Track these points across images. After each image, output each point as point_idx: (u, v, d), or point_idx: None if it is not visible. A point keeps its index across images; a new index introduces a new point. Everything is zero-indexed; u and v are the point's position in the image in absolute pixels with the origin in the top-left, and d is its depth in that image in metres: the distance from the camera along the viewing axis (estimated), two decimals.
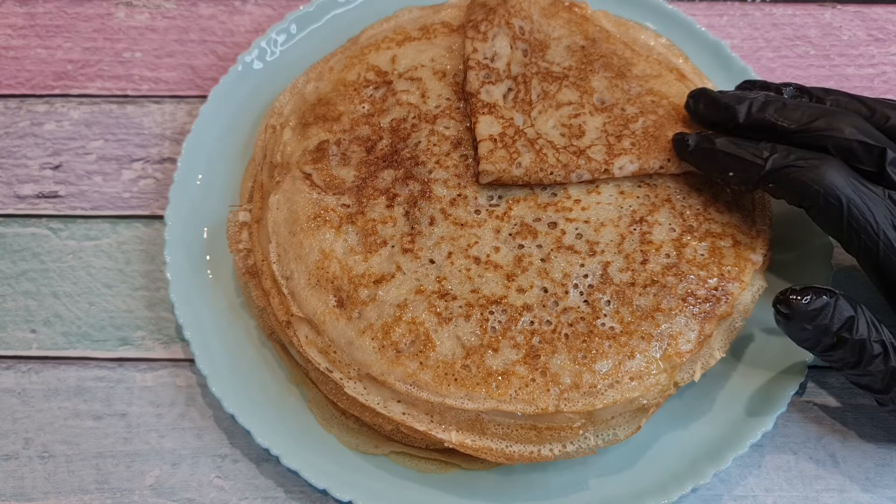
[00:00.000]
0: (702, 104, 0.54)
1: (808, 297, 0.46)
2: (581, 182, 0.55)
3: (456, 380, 0.49)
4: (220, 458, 0.56)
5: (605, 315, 0.51)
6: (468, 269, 0.52)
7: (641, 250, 0.53)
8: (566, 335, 0.50)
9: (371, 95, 0.60)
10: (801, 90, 0.53)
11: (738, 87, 0.56)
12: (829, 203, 0.47)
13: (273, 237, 0.55)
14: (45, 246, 0.64)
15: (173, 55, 0.73)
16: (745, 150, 0.50)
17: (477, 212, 0.55)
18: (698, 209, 0.55)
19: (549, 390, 0.49)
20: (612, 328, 0.50)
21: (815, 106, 0.51)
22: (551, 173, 0.54)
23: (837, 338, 0.46)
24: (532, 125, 0.57)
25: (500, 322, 0.51)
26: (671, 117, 0.57)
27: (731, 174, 0.51)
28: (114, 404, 0.58)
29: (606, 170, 0.55)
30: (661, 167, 0.55)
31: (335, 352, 0.51)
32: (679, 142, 0.54)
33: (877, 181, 0.48)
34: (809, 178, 0.47)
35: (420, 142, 0.57)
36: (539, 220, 0.54)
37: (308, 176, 0.56)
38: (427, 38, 0.63)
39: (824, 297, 0.46)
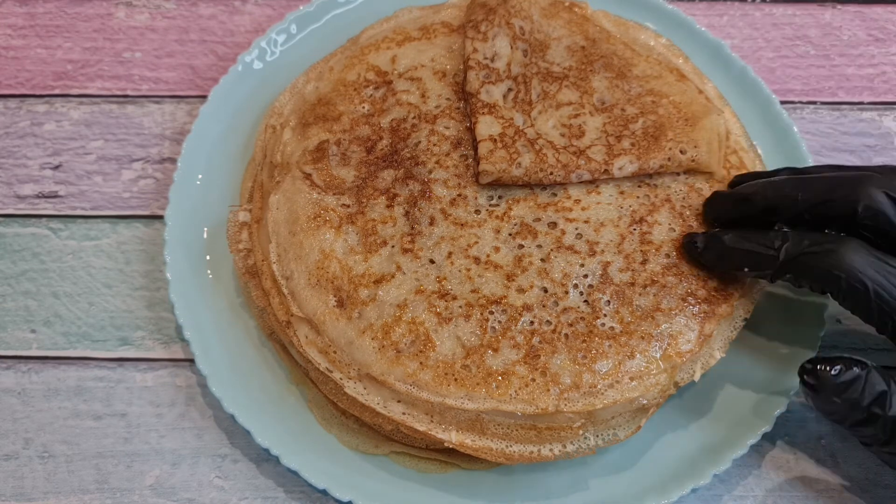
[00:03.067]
0: (717, 205, 0.52)
1: (838, 368, 0.43)
2: (581, 182, 0.55)
3: (456, 380, 0.49)
4: (220, 458, 0.56)
5: (605, 315, 0.51)
6: (468, 269, 0.52)
7: (641, 250, 0.53)
8: (566, 335, 0.50)
9: (371, 95, 0.60)
10: (794, 171, 0.51)
11: (731, 183, 0.54)
12: (854, 287, 0.44)
13: (273, 237, 0.55)
14: (45, 246, 0.64)
15: (173, 55, 0.73)
16: (755, 243, 0.47)
17: (477, 212, 0.55)
18: (698, 209, 0.55)
19: (549, 390, 0.49)
20: (612, 328, 0.50)
21: (832, 175, 0.48)
22: (551, 173, 0.54)
23: (868, 413, 0.43)
24: (532, 125, 0.57)
25: (500, 322, 0.51)
26: (671, 117, 0.57)
27: (746, 270, 0.49)
28: (114, 404, 0.58)
29: (606, 170, 0.55)
30: (661, 167, 0.55)
31: (335, 352, 0.51)
32: (688, 245, 0.52)
33: None
34: (828, 263, 0.44)
35: (420, 142, 0.57)
36: (539, 220, 0.54)
37: (308, 176, 0.56)
38: (427, 38, 0.63)
39: (855, 368, 0.43)
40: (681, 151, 0.55)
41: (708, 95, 0.60)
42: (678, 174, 0.56)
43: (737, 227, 0.51)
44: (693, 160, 0.55)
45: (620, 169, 0.55)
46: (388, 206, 0.55)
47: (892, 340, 0.45)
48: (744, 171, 0.57)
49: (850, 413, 0.44)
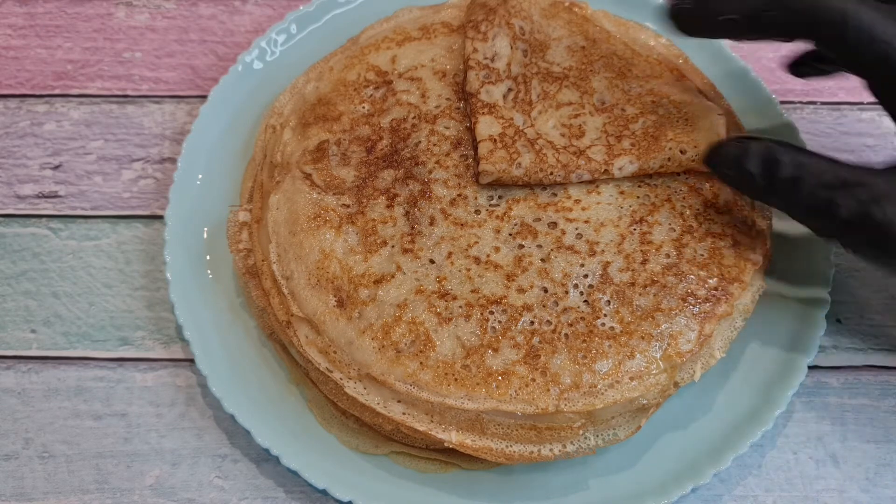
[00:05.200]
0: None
1: (732, 144, 0.49)
2: (581, 182, 0.55)
3: (456, 380, 0.49)
4: (220, 458, 0.56)
5: (605, 315, 0.51)
6: (468, 269, 0.52)
7: (641, 250, 0.53)
8: (566, 335, 0.50)
9: (371, 95, 0.60)
10: None
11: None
12: (830, 17, 0.43)
13: (273, 237, 0.55)
14: (45, 246, 0.64)
15: (173, 55, 0.73)
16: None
17: (477, 212, 0.55)
18: (698, 209, 0.55)
19: (549, 390, 0.49)
20: (612, 328, 0.50)
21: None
22: (551, 173, 0.54)
23: (766, 180, 0.47)
24: (532, 125, 0.57)
25: (500, 322, 0.51)
26: (671, 117, 0.57)
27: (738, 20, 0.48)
28: (114, 404, 0.58)
29: (606, 170, 0.55)
30: (661, 167, 0.55)
31: (335, 352, 0.51)
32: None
33: None
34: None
35: (420, 142, 0.57)
36: (539, 220, 0.54)
37: (308, 176, 0.56)
38: (427, 38, 0.63)
39: (744, 142, 0.48)
40: (681, 151, 0.55)
41: (708, 95, 0.60)
42: (678, 174, 0.56)
43: None
44: (693, 160, 0.55)
45: (620, 169, 0.55)
46: (388, 206, 0.55)
47: (875, 97, 0.46)
48: None
49: (751, 183, 0.48)
